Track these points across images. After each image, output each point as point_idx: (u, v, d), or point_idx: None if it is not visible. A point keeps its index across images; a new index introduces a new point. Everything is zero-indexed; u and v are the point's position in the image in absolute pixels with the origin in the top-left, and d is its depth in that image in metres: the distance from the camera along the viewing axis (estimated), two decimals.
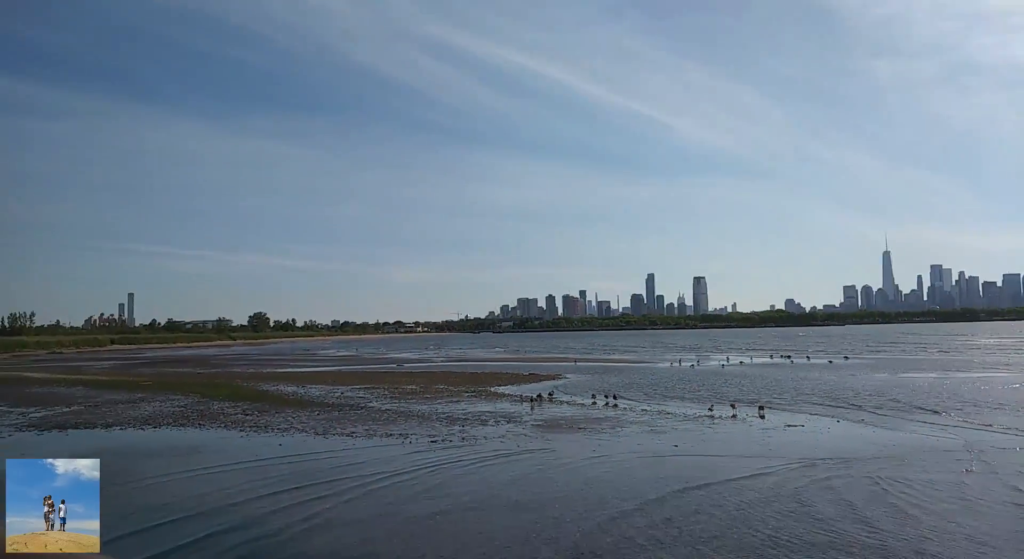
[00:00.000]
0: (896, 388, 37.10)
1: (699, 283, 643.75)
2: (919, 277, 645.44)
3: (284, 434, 24.38)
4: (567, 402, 33.08)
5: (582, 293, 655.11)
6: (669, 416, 27.65)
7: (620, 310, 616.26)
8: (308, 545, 12.28)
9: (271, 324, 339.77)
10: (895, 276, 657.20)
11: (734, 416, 27.28)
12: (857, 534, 11.99)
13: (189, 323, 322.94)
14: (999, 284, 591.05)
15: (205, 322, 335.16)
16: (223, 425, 26.92)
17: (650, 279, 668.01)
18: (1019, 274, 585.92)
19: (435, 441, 22.27)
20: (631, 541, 11.89)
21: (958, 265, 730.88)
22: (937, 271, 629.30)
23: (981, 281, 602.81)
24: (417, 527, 13.12)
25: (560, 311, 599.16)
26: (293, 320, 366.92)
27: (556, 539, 12.07)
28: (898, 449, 19.89)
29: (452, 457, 19.79)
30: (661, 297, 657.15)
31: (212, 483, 17.15)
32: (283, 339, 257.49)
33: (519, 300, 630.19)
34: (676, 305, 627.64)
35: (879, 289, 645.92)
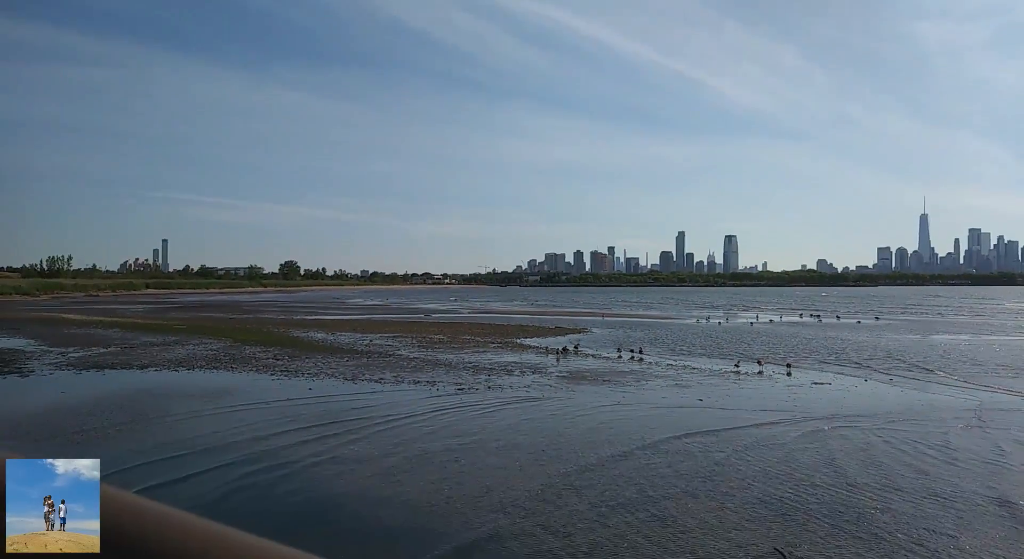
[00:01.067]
0: (926, 349, 36.61)
1: (730, 242, 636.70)
2: (956, 240, 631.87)
3: (314, 379, 24.84)
4: (592, 355, 33.19)
5: (610, 249, 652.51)
6: (694, 371, 27.64)
7: (649, 267, 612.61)
8: (320, 473, 13.04)
9: (301, 272, 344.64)
10: (932, 239, 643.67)
11: (760, 372, 27.19)
12: (826, 479, 11.97)
13: (221, 270, 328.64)
14: None
15: (237, 269, 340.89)
16: (254, 369, 27.50)
17: (680, 237, 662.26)
18: None
19: (461, 388, 22.57)
20: (622, 477, 12.02)
21: (997, 229, 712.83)
22: (975, 235, 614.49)
23: (1021, 245, 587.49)
24: (425, 461, 13.93)
25: (588, 267, 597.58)
26: (323, 269, 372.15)
27: (551, 473, 12.23)
28: (918, 408, 19.74)
29: (473, 401, 20.22)
30: (691, 255, 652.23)
31: (240, 420, 17.68)
32: (313, 287, 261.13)
33: (547, 255, 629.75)
34: (706, 263, 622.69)
35: (914, 251, 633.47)
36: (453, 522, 10.43)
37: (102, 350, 34.02)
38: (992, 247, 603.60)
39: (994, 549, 9.37)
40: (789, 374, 26.80)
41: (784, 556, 9.08)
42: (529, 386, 23.28)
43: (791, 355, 33.24)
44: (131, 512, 1.00)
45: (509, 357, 31.74)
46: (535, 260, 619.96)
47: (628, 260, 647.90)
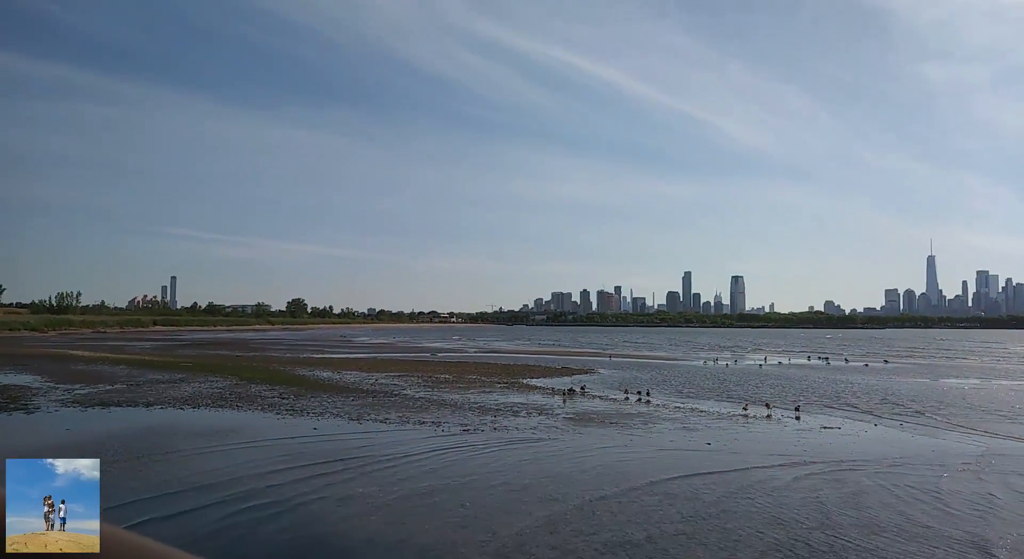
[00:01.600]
0: (935, 394, 36.24)
1: (736, 282, 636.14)
2: (964, 282, 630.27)
3: (319, 418, 24.75)
4: (599, 396, 32.99)
5: (617, 289, 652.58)
6: (703, 414, 27.41)
7: (655, 307, 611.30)
8: (315, 510, 13.24)
9: (308, 310, 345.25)
10: (939, 281, 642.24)
11: (769, 416, 26.95)
12: (812, 535, 11.77)
13: (229, 307, 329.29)
14: None
15: (244, 307, 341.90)
16: (260, 407, 27.42)
17: (687, 277, 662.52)
18: None
19: (467, 430, 22.42)
20: (628, 520, 11.85)
21: (1005, 271, 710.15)
22: (983, 277, 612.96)
23: None
24: (425, 499, 14.19)
25: (595, 306, 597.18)
26: (330, 307, 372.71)
27: (555, 511, 12.07)
28: (926, 454, 19.49)
29: (478, 442, 20.12)
30: (697, 295, 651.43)
31: (243, 458, 17.76)
32: (320, 325, 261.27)
33: (553, 294, 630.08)
34: (713, 303, 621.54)
35: (922, 293, 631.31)
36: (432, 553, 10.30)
37: (108, 387, 34.00)
38: (1000, 289, 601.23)
39: None
40: (798, 418, 26.54)
41: None
42: (535, 427, 23.11)
43: (800, 398, 32.95)
44: (126, 549, 1.03)
45: (515, 398, 31.57)
46: (542, 299, 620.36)
47: (635, 299, 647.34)
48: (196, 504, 13.53)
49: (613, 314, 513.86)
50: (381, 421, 24.15)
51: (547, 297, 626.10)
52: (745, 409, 28.60)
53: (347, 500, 13.91)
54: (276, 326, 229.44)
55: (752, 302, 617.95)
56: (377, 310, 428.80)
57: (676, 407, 29.39)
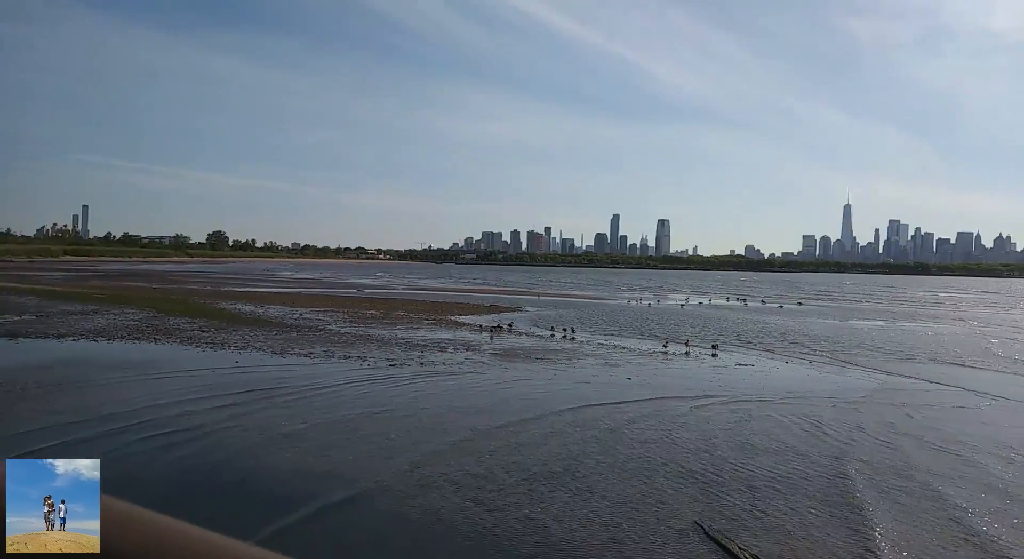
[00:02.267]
0: (843, 334, 38.32)
1: (663, 225, 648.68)
2: (876, 230, 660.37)
3: (241, 351, 24.28)
4: (526, 333, 33.45)
5: (547, 229, 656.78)
6: (625, 350, 28.19)
7: (584, 248, 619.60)
8: (225, 437, 13.30)
9: (230, 243, 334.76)
10: (854, 228, 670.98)
11: (688, 353, 27.96)
12: (742, 454, 12.52)
13: (146, 238, 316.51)
14: (952, 241, 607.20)
15: (162, 238, 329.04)
16: (178, 340, 26.67)
17: (615, 219, 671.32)
18: (972, 233, 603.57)
19: (393, 364, 22.43)
20: (550, 450, 12.24)
21: (915, 221, 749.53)
22: (895, 226, 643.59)
23: (935, 238, 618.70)
24: (338, 426, 14.43)
25: (524, 246, 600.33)
26: (253, 241, 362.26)
27: (461, 441, 12.35)
28: (826, 388, 20.73)
29: (403, 375, 20.14)
30: (625, 237, 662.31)
31: (157, 389, 17.42)
32: (242, 259, 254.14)
33: (484, 233, 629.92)
34: (639, 246, 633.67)
35: (837, 240, 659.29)
36: (343, 478, 10.40)
37: (15, 318, 32.37)
38: (910, 238, 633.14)
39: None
40: (715, 355, 27.64)
41: (704, 529, 9.40)
42: (462, 362, 23.32)
43: (718, 337, 34.27)
44: (130, 522, 0.98)
45: (443, 334, 31.69)
46: (472, 238, 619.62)
47: (564, 240, 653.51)
48: (107, 431, 13.33)
49: (542, 254, 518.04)
50: (305, 355, 23.88)
51: (477, 236, 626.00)
52: (665, 346, 29.57)
53: (267, 429, 13.79)
54: (195, 259, 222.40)
55: (677, 245, 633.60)
56: (302, 245, 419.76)
57: (600, 344, 30.12)
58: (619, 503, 10.40)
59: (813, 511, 10.30)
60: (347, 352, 24.78)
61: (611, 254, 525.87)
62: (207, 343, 26.00)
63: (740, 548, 8.73)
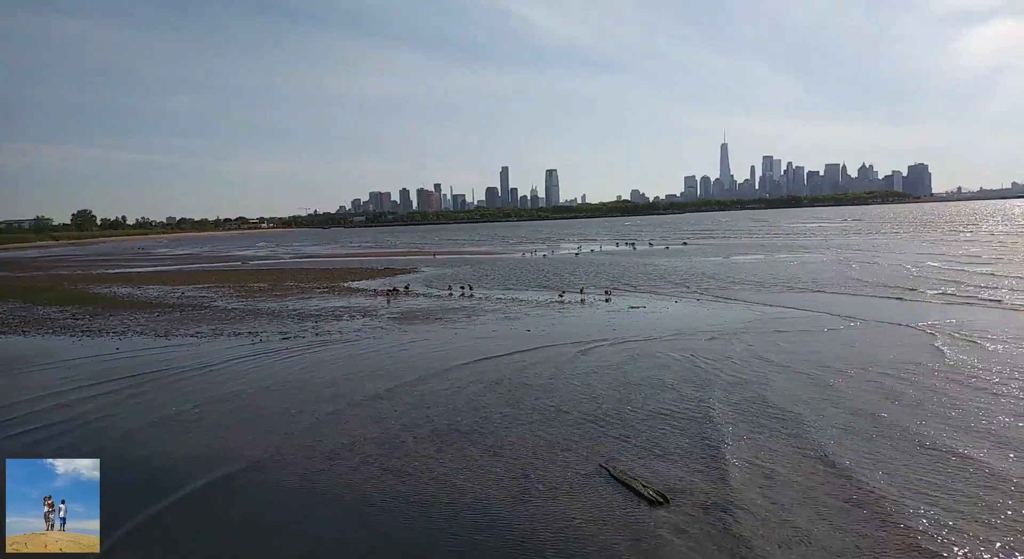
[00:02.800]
0: (726, 270, 40.29)
1: (551, 175, 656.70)
2: (752, 167, 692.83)
3: (121, 337, 22.85)
4: (424, 294, 33.20)
5: (437, 186, 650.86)
6: (523, 303, 28.51)
7: (475, 203, 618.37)
8: (106, 426, 12.83)
9: (98, 223, 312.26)
10: (731, 166, 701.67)
11: (583, 301, 28.59)
12: (636, 395, 13.12)
13: (2, 223, 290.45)
14: (821, 173, 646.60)
15: (20, 222, 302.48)
16: (50, 331, 24.82)
17: (504, 172, 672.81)
18: (839, 164, 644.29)
19: (287, 337, 21.74)
20: (453, 402, 12.34)
21: (786, 156, 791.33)
22: (768, 162, 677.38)
23: (806, 170, 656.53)
24: (229, 403, 14.18)
25: (415, 205, 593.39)
26: (123, 218, 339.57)
27: (361, 402, 12.28)
28: (709, 323, 21.80)
29: (297, 346, 19.61)
30: (515, 190, 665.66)
31: (32, 382, 16.42)
32: (113, 239, 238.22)
33: (372, 194, 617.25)
34: (529, 197, 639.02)
35: (716, 179, 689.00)
36: (243, 457, 10.11)
37: None
38: (783, 172, 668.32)
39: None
40: (608, 301, 28.42)
41: (608, 471, 9.70)
42: (359, 330, 22.89)
43: (610, 283, 35.21)
44: None
45: (337, 302, 30.97)
46: (359, 200, 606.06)
47: (455, 197, 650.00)
48: None
49: (434, 212, 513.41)
50: (192, 335, 22.75)
51: (365, 197, 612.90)
52: (561, 296, 30.11)
53: (153, 413, 13.07)
54: (61, 241, 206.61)
55: (566, 195, 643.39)
56: (178, 219, 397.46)
57: (498, 298, 30.32)
58: (527, 453, 10.57)
59: (682, 437, 10.85)
60: (236, 328, 23.81)
61: (503, 208, 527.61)
62: (83, 331, 24.31)
63: (644, 485, 9.08)
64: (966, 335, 18.36)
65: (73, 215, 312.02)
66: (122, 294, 37.84)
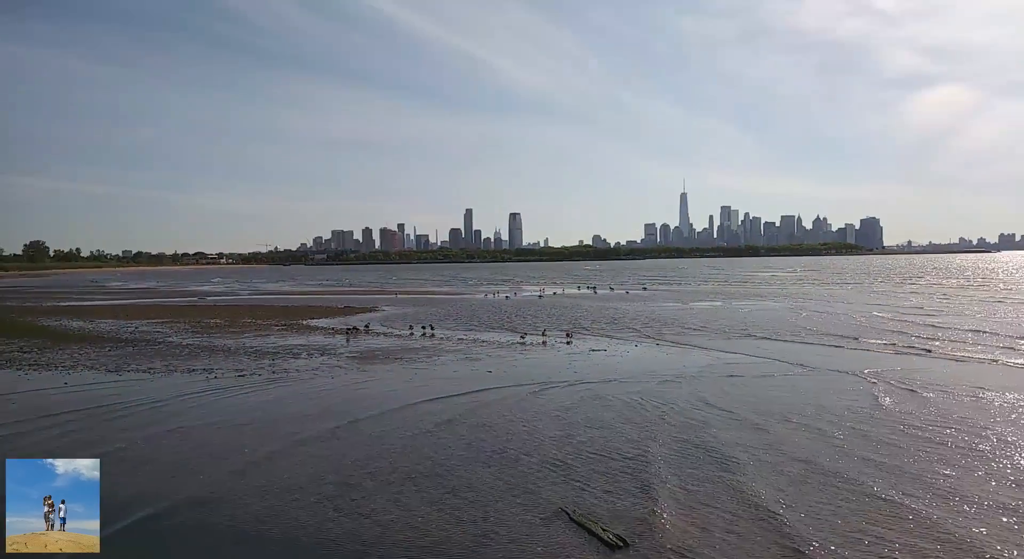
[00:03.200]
0: (685, 316, 40.84)
1: (515, 219, 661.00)
2: (711, 217, 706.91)
3: (70, 372, 22.18)
4: (384, 333, 32.96)
5: (400, 226, 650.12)
6: (484, 344, 28.48)
7: (439, 244, 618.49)
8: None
9: (51, 254, 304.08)
10: (690, 215, 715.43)
11: (544, 342, 28.68)
12: (596, 436, 13.20)
13: None
14: (777, 224, 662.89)
15: None
16: None
17: (468, 214, 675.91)
18: (794, 215, 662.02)
19: (242, 374, 21.34)
20: (411, 447, 12.22)
21: (744, 207, 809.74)
22: (726, 212, 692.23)
23: (763, 221, 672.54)
24: (180, 440, 13.96)
25: (378, 244, 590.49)
26: (77, 250, 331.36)
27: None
28: (664, 367, 22.11)
29: (252, 384, 19.26)
30: (479, 231, 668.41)
31: None
32: (66, 271, 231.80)
33: (334, 232, 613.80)
34: (493, 240, 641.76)
35: (676, 227, 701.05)
36: (193, 499, 9.85)
37: None
38: (740, 222, 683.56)
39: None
40: (569, 343, 28.56)
41: (569, 515, 9.66)
42: (317, 368, 22.58)
43: (572, 325, 35.41)
44: None
45: (295, 340, 30.55)
46: (321, 237, 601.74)
47: (418, 237, 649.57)
48: None
49: (397, 252, 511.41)
50: (144, 371, 22.20)
51: (327, 235, 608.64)
52: (523, 338, 30.17)
53: (96, 447, 12.65)
54: (12, 272, 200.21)
55: (529, 238, 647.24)
56: (134, 252, 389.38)
57: (459, 339, 30.24)
58: (486, 495, 10.48)
59: (619, 478, 10.91)
60: (190, 365, 23.30)
61: (466, 249, 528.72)
62: (31, 365, 23.56)
63: (603, 529, 9.07)
64: (903, 384, 18.89)
65: (25, 246, 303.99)
66: (73, 327, 36.81)
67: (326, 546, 8.88)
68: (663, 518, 9.55)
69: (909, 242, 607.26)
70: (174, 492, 10.78)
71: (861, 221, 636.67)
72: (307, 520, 9.67)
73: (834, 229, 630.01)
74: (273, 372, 21.78)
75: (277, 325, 37.25)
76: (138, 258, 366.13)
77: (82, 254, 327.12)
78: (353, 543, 8.92)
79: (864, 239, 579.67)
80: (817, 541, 8.76)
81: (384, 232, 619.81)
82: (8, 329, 35.58)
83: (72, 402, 17.27)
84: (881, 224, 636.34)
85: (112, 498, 10.46)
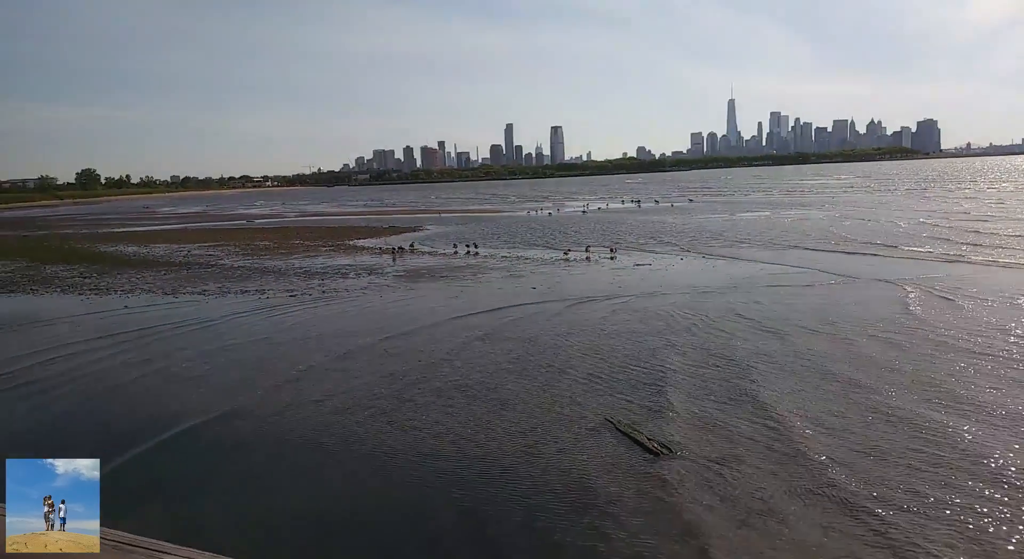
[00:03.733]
0: (731, 227, 40.16)
1: (556, 132, 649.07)
2: (759, 123, 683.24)
3: (129, 295, 23.05)
4: (429, 252, 33.26)
5: (441, 144, 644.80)
6: (528, 261, 28.56)
7: (480, 161, 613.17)
8: (110, 375, 13.32)
9: (102, 181, 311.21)
10: (738, 123, 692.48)
11: (588, 258, 28.62)
12: (640, 350, 13.27)
13: (6, 182, 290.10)
14: (829, 129, 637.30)
15: (25, 181, 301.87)
16: (59, 289, 25.01)
17: (509, 129, 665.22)
18: (847, 120, 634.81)
19: (293, 294, 21.88)
20: (467, 361, 12.51)
21: (794, 113, 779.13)
22: (776, 118, 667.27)
23: (814, 127, 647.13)
24: (221, 353, 14.85)
25: (419, 163, 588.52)
26: (127, 177, 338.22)
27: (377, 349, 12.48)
28: (707, 280, 21.98)
29: (304, 303, 19.83)
30: (520, 147, 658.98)
31: (41, 337, 16.78)
32: (118, 197, 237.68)
33: (375, 152, 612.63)
34: (534, 155, 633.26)
35: (723, 135, 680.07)
36: (253, 414, 10.32)
37: None
38: (790, 129, 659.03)
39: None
40: (613, 258, 28.44)
41: (615, 424, 9.86)
42: (365, 287, 23.01)
43: (615, 240, 35.17)
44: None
45: (343, 260, 31.07)
46: (363, 158, 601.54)
47: (459, 154, 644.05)
48: None
49: (439, 170, 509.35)
50: (199, 293, 22.94)
51: (369, 155, 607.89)
52: (566, 254, 30.13)
53: (165, 365, 13.31)
54: (66, 201, 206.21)
55: (571, 152, 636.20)
56: (182, 178, 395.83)
57: (503, 257, 30.36)
58: (533, 407, 10.74)
59: (665, 390, 11.02)
60: (243, 286, 23.96)
61: (508, 165, 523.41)
62: (91, 290, 24.51)
63: (648, 438, 9.25)
64: (945, 293, 18.47)
65: (77, 174, 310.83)
66: (129, 252, 38.02)
67: (383, 455, 9.26)
68: (707, 430, 9.69)
69: (969, 144, 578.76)
70: (230, 403, 11.32)
71: (918, 124, 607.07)
72: (362, 432, 10.07)
73: (889, 133, 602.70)
74: (323, 291, 22.29)
75: (324, 246, 37.86)
76: (186, 183, 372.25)
77: (132, 181, 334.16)
78: (407, 453, 9.28)
79: (920, 143, 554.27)
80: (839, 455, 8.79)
81: (425, 150, 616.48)
82: (68, 256, 36.92)
83: (132, 322, 18.09)
84: (939, 126, 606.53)
85: (166, 410, 11.12)
